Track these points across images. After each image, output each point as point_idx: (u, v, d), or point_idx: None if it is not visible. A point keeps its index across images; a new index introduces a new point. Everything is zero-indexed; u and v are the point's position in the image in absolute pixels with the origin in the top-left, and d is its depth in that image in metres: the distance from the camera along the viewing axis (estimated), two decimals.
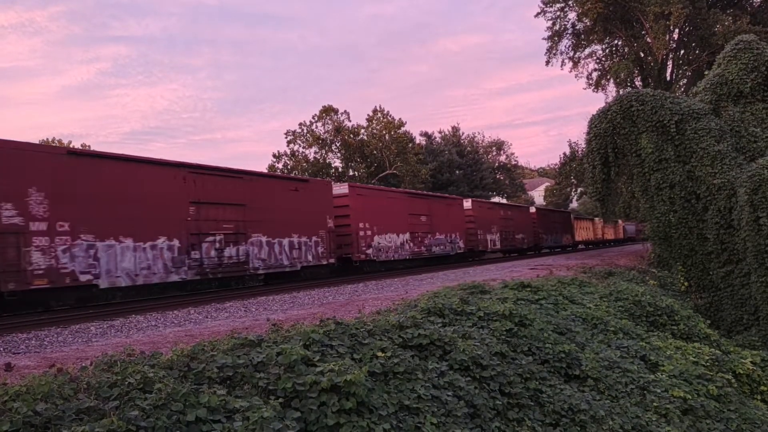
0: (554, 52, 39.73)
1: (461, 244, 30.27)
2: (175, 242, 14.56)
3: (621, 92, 26.79)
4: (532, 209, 43.54)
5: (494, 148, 71.93)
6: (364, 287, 15.81)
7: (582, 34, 38.93)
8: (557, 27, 39.03)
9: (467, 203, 32.51)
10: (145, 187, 13.98)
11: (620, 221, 65.30)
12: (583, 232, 54.49)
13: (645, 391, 9.03)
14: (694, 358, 11.24)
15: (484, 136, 79.95)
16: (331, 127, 47.75)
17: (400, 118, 48.80)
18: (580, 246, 54.19)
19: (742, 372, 11.63)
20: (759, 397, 11.36)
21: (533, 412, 7.31)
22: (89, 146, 43.82)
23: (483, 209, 34.05)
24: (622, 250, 40.76)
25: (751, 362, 12.34)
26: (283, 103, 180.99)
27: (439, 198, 30.32)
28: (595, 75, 41.09)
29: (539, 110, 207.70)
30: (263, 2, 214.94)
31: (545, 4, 38.43)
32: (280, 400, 5.12)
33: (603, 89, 40.89)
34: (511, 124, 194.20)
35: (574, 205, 79.23)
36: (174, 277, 14.50)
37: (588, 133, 21.35)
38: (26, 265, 11.47)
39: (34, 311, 12.62)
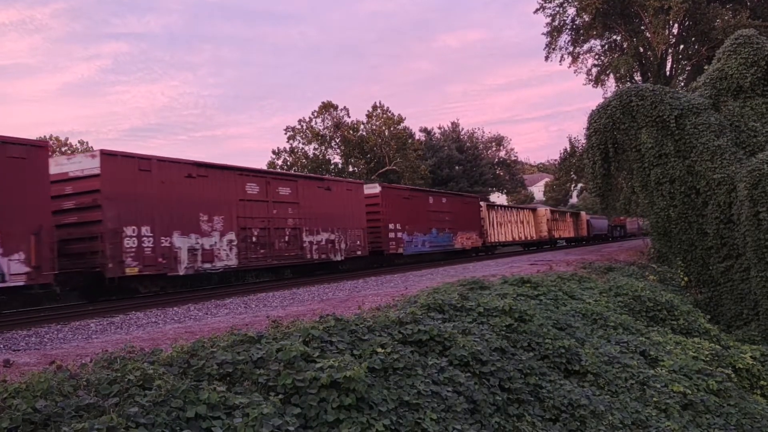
0: (553, 47, 39.65)
1: (19, 267, 11.17)
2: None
3: (620, 87, 26.73)
4: (372, 189, 24.69)
5: (494, 143, 71.78)
6: (363, 283, 15.82)
7: (581, 29, 38.84)
8: (556, 22, 38.94)
9: (87, 163, 13.86)
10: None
11: (583, 213, 55.46)
12: (509, 228, 37.16)
13: (645, 386, 9.04)
14: (694, 353, 11.25)
15: (483, 132, 79.70)
16: (330, 123, 47.69)
17: (399, 114, 48.72)
18: (505, 249, 39.20)
19: (741, 367, 11.64)
20: (759, 392, 11.36)
21: (533, 407, 7.32)
22: (87, 143, 43.71)
23: (166, 182, 14.95)
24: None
25: (750, 357, 12.35)
26: (284, 99, 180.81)
27: None
28: (594, 70, 41.06)
29: (539, 106, 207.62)
30: None
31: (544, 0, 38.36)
32: (280, 396, 5.13)
33: (602, 85, 40.86)
34: (511, 120, 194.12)
35: (574, 200, 79.03)
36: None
37: (588, 129, 21.30)
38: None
39: (33, 308, 12.63)
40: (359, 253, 22.57)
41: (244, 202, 17.24)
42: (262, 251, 17.69)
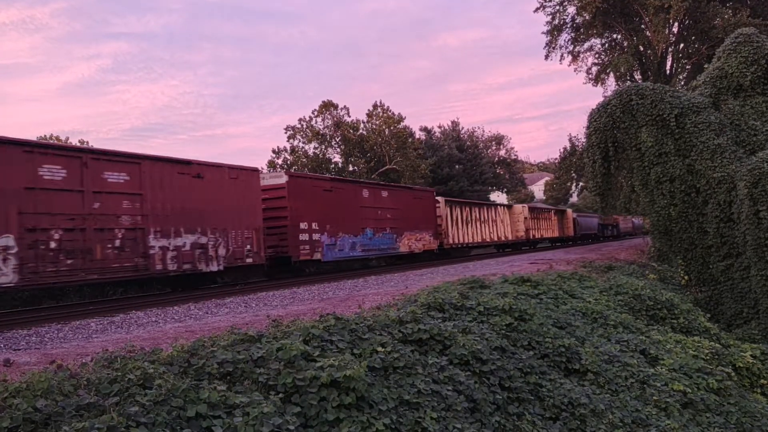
0: (553, 46, 39.64)
1: None
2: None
3: (620, 86, 26.71)
4: (276, 178, 20.09)
5: (494, 142, 71.81)
6: (364, 282, 15.83)
7: (581, 28, 38.83)
8: (556, 21, 38.93)
9: None
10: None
11: (569, 211, 51.28)
12: (477, 228, 32.72)
13: (645, 385, 9.04)
14: (694, 351, 11.26)
15: (483, 131, 79.70)
16: (330, 122, 47.68)
17: (399, 113, 48.67)
18: (470, 253, 33.23)
19: (741, 365, 11.65)
20: (759, 391, 11.37)
21: (533, 406, 7.32)
22: (87, 142, 43.73)
23: None
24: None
25: (750, 355, 12.36)
26: (284, 99, 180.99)
27: None
28: (594, 69, 41.04)
29: (540, 105, 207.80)
30: None
31: None
32: (280, 395, 5.13)
33: (602, 83, 40.83)
34: (511, 119, 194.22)
35: (574, 199, 78.98)
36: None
37: (588, 128, 21.31)
38: None
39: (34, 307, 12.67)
40: (250, 260, 17.28)
41: (35, 192, 12.12)
42: (69, 262, 12.44)
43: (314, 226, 20.08)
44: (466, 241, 31.58)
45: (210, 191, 16.12)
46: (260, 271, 18.54)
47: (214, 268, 16.11)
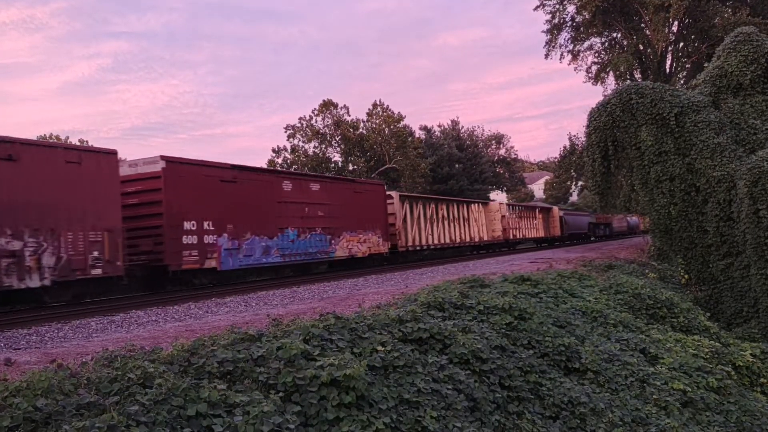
0: (553, 45, 39.65)
1: None
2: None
3: (620, 85, 26.70)
4: (150, 165, 15.37)
5: (494, 141, 71.81)
6: (364, 281, 15.84)
7: (581, 26, 38.83)
8: (556, 20, 38.95)
9: None
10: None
11: (555, 209, 47.50)
12: (443, 227, 28.82)
13: (645, 384, 9.04)
14: (694, 350, 11.26)
15: (483, 130, 79.56)
16: (330, 121, 47.67)
17: (399, 112, 48.69)
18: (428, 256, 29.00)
19: (741, 364, 11.65)
20: (759, 389, 11.37)
21: (533, 405, 7.32)
22: (87, 141, 43.80)
23: None
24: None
25: (750, 354, 12.36)
26: (284, 98, 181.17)
27: None
28: (594, 68, 41.03)
29: (540, 104, 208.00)
30: None
31: None
32: (281, 394, 5.13)
33: (602, 82, 40.83)
34: (511, 118, 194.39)
35: (574, 198, 78.93)
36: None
37: (588, 127, 21.33)
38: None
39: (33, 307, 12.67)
40: (98, 272, 13.05)
41: None
42: None
43: (207, 225, 15.91)
44: (430, 242, 27.54)
45: (29, 179, 11.78)
46: (118, 284, 14.30)
47: (34, 283, 11.64)
